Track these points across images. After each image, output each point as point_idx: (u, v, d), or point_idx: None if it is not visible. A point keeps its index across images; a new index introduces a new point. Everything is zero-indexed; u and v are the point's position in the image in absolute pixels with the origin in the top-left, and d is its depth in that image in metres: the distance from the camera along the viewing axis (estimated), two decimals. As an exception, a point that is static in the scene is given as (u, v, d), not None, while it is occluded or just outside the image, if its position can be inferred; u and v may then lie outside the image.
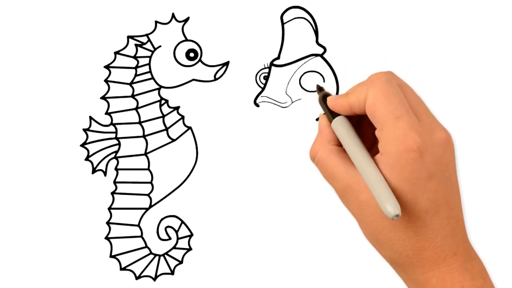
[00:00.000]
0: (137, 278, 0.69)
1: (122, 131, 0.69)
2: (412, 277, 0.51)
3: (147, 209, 0.69)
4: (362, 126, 0.56)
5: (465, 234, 0.51)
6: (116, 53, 0.69)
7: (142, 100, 0.69)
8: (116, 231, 0.69)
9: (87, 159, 0.69)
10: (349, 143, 0.51)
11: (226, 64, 0.69)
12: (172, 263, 0.69)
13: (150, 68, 0.69)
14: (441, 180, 0.49)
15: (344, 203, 0.53)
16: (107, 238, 0.69)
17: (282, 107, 0.68)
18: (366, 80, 0.52)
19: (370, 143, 0.54)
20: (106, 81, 0.69)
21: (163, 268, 0.69)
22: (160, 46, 0.69)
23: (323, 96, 0.56)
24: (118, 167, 0.69)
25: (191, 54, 0.69)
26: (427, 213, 0.49)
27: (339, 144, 0.54)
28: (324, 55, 0.68)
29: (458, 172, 0.51)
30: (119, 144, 0.69)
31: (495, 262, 0.64)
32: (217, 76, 0.69)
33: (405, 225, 0.49)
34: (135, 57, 0.69)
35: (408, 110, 0.49)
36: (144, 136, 0.69)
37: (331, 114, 0.54)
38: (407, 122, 0.48)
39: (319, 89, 0.59)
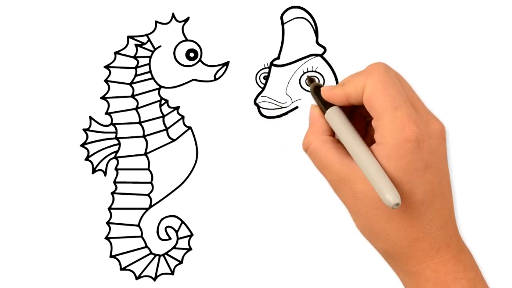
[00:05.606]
0: (137, 278, 0.69)
1: (122, 131, 0.69)
2: (406, 268, 0.50)
3: (147, 209, 0.69)
4: (354, 117, 0.55)
5: (456, 226, 0.51)
6: (116, 53, 0.69)
7: (142, 100, 0.69)
8: (116, 231, 0.69)
9: (87, 159, 0.69)
10: (346, 133, 0.51)
11: (226, 64, 0.69)
12: (172, 263, 0.69)
13: (150, 68, 0.69)
14: (436, 172, 0.49)
15: (337, 194, 0.52)
16: (107, 238, 0.69)
17: (282, 107, 0.68)
18: (364, 70, 0.51)
19: (361, 135, 0.54)
20: (106, 81, 0.69)
21: (163, 268, 0.69)
22: (160, 46, 0.69)
23: (315, 87, 0.56)
24: (118, 167, 0.69)
25: (191, 54, 0.69)
26: (422, 204, 0.49)
27: (333, 135, 0.54)
28: (324, 55, 0.68)
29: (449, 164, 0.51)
30: (119, 144, 0.69)
31: (482, 256, 0.64)
32: (217, 76, 0.69)
33: (401, 215, 0.49)
34: (135, 57, 0.69)
35: (406, 101, 0.49)
36: (144, 136, 0.69)
37: (324, 105, 0.54)
38: (405, 112, 0.48)
39: (310, 80, 0.59)
